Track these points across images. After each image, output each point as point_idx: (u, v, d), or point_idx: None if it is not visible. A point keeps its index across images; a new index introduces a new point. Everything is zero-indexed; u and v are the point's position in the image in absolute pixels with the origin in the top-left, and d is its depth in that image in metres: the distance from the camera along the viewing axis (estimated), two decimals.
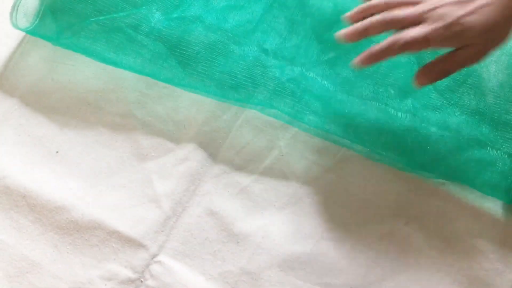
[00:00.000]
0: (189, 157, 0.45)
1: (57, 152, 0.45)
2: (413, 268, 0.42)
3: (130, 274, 0.41)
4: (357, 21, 0.41)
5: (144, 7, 0.47)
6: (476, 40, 0.38)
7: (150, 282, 0.41)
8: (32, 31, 0.47)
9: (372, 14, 0.41)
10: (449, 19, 0.38)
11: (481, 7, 0.38)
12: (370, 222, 0.43)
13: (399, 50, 0.39)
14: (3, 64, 0.48)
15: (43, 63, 0.48)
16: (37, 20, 0.47)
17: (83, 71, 0.47)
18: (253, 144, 0.46)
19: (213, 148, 0.45)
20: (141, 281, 0.42)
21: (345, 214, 0.43)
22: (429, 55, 0.44)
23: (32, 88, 0.47)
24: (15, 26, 0.46)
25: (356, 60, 0.40)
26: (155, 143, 0.45)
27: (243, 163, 0.45)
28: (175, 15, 0.47)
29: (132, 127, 0.46)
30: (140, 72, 0.46)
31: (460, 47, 0.39)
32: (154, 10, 0.47)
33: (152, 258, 0.42)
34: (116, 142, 0.45)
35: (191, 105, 0.47)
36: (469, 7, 0.39)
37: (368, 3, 0.42)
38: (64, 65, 0.48)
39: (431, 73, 0.40)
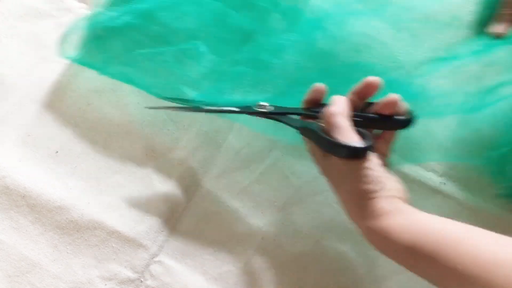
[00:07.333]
0: (189, 157, 0.45)
1: (57, 152, 0.45)
2: None
3: (130, 274, 0.41)
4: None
5: (192, 42, 0.44)
6: None
7: (150, 282, 0.41)
8: (79, 61, 0.46)
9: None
10: None
11: None
12: None
13: None
14: (3, 64, 0.48)
15: (42, 63, 0.48)
16: (84, 49, 0.45)
17: (83, 71, 0.47)
18: (253, 145, 0.46)
19: (213, 148, 0.45)
20: (141, 281, 0.41)
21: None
22: None
23: (32, 88, 0.47)
24: (63, 56, 0.45)
25: None
26: (155, 143, 0.45)
27: (243, 163, 0.45)
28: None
29: (132, 127, 0.46)
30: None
31: None
32: (200, 44, 0.44)
33: (152, 258, 0.42)
34: (116, 142, 0.45)
35: None
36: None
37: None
38: (64, 65, 0.48)
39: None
